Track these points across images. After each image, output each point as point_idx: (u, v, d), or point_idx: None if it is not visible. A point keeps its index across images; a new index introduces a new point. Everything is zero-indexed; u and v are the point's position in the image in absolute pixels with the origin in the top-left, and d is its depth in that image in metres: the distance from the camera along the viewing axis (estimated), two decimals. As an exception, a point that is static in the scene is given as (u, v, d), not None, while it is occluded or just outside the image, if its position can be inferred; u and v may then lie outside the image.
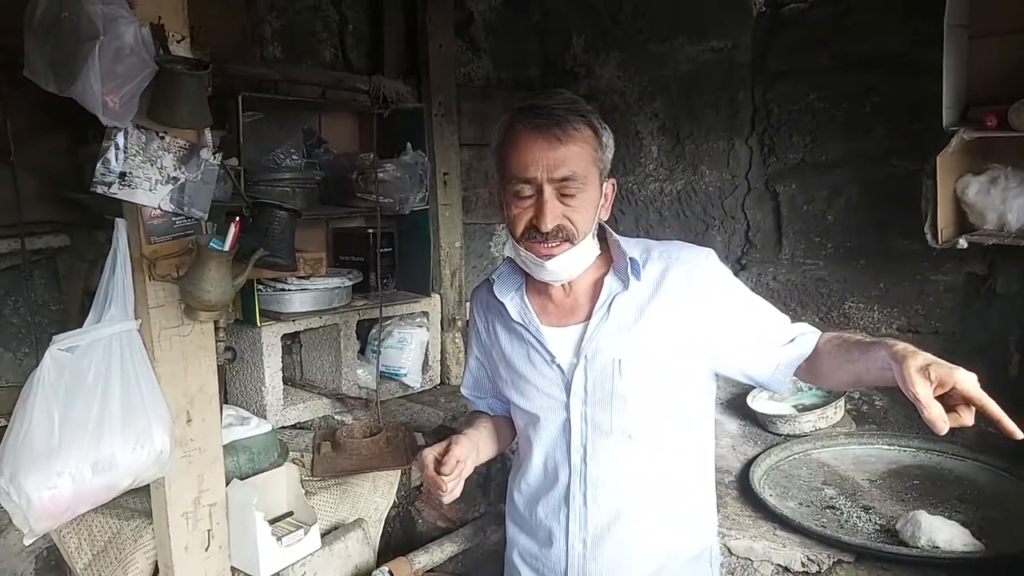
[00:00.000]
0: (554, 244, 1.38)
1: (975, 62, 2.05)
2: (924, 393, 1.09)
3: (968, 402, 1.10)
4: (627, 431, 1.45)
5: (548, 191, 1.35)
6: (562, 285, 1.50)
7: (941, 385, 1.10)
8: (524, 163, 1.35)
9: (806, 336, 1.47)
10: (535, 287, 1.54)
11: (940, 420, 1.08)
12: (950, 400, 1.11)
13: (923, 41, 2.06)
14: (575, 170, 1.35)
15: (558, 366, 1.49)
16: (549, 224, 1.35)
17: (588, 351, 1.45)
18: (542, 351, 1.51)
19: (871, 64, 2.45)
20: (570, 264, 1.42)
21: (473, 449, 1.49)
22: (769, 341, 1.47)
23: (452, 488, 1.40)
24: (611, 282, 1.47)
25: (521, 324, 1.53)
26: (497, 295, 1.55)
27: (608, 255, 1.52)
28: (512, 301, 1.54)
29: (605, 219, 1.49)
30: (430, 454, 1.43)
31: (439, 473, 1.39)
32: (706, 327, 1.45)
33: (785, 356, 1.45)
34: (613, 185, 1.48)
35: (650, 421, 1.46)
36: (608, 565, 1.49)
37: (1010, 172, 2.01)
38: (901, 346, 1.20)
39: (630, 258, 1.45)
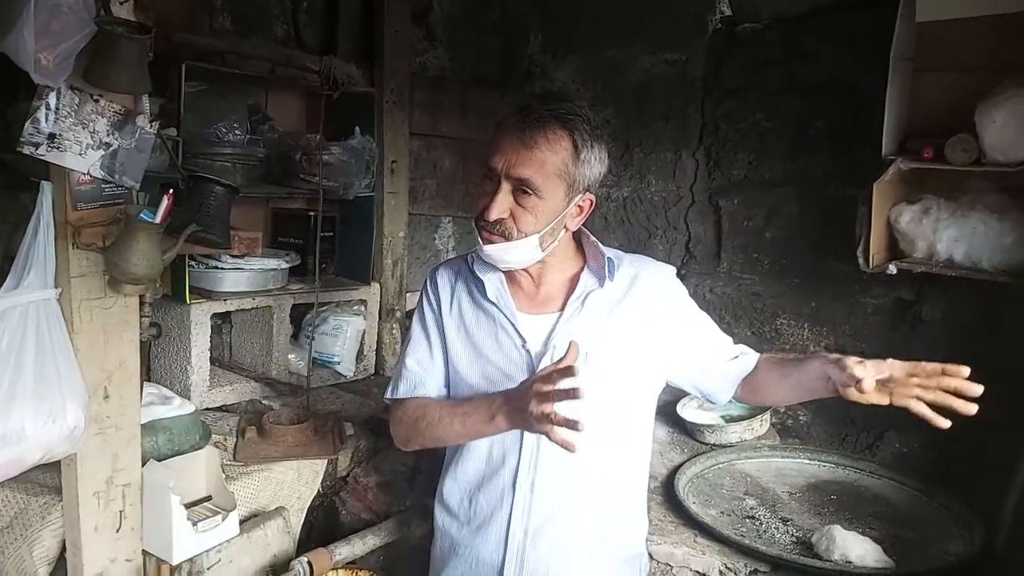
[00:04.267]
0: (492, 234, 1.46)
1: (918, 95, 2.11)
2: (860, 371, 1.23)
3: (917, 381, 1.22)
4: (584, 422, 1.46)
5: (504, 186, 1.43)
6: (529, 275, 1.56)
7: (883, 377, 1.23)
8: (492, 154, 1.44)
9: (747, 355, 1.63)
10: (508, 273, 1.57)
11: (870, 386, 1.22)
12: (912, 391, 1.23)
13: (870, 70, 2.11)
14: (532, 176, 1.40)
15: (527, 351, 1.52)
16: (492, 215, 1.44)
17: (557, 340, 1.51)
18: (513, 334, 1.54)
19: (820, 88, 2.50)
20: (504, 255, 1.48)
21: None
22: (718, 356, 1.62)
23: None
24: (587, 279, 1.55)
25: (494, 304, 1.56)
26: (477, 271, 1.58)
27: (582, 254, 1.60)
28: (490, 280, 1.57)
29: (572, 230, 1.55)
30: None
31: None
32: (667, 337, 1.56)
33: (731, 370, 1.61)
34: (591, 201, 1.52)
35: (607, 415, 1.50)
36: (548, 554, 1.51)
37: (943, 203, 2.06)
38: (835, 355, 1.35)
39: (608, 258, 1.54)
